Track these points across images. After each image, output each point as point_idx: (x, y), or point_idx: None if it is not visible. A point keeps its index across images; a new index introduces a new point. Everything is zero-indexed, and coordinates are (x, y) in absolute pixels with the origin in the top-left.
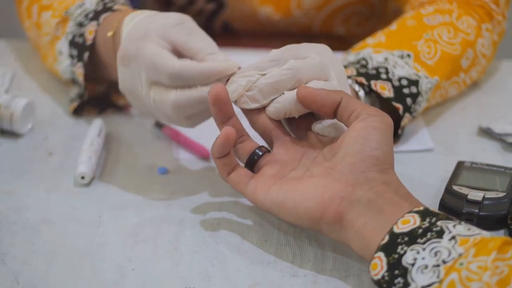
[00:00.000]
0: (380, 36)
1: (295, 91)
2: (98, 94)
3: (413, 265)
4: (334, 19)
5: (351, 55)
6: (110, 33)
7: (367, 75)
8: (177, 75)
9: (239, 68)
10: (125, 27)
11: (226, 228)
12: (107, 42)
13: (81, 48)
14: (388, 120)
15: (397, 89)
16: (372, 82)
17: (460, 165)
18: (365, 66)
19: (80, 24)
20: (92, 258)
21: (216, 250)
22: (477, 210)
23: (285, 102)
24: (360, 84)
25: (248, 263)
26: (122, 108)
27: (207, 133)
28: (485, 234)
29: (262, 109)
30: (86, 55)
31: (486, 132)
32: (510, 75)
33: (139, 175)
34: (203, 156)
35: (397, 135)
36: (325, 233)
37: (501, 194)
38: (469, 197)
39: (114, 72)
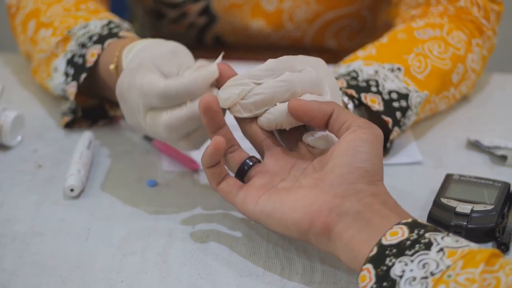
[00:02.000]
0: (371, 49)
1: (287, 103)
2: (91, 106)
3: (401, 277)
4: (325, 32)
5: (342, 67)
6: (112, 66)
7: (357, 87)
8: (164, 94)
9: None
10: (124, 60)
11: (215, 241)
12: (111, 75)
13: (79, 68)
14: (378, 132)
15: (387, 103)
16: (362, 95)
17: (448, 178)
18: (355, 79)
19: (83, 45)
20: (81, 270)
21: (204, 262)
22: (465, 223)
23: (277, 114)
24: (350, 97)
25: (237, 276)
26: (112, 119)
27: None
28: (473, 246)
29: (255, 118)
30: (83, 76)
31: (475, 145)
32: (499, 88)
33: (128, 188)
34: (192, 168)
35: (385, 148)
36: (314, 244)
37: (489, 207)
38: (457, 209)
39: (101, 92)
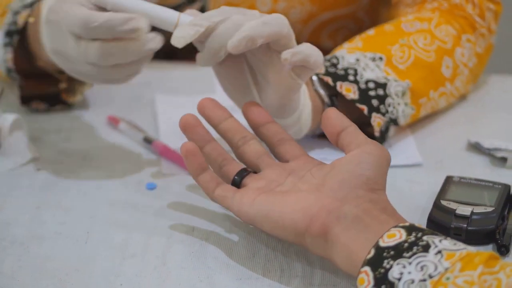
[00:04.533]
0: (357, 41)
1: (252, 21)
2: (46, 93)
3: (399, 279)
4: (321, 33)
5: (326, 56)
6: (31, 19)
7: (335, 75)
8: (85, 22)
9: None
10: (44, 8)
11: (214, 243)
12: (35, 31)
13: (13, 34)
14: (385, 152)
15: (363, 91)
16: (338, 84)
17: (448, 180)
18: (335, 65)
19: (16, 13)
20: (80, 273)
21: (204, 265)
22: (466, 225)
23: (248, 30)
24: (326, 85)
25: (236, 279)
26: (71, 106)
27: None
28: (471, 249)
29: (246, 138)
30: (15, 38)
31: (475, 147)
32: (499, 90)
33: (128, 191)
34: None
35: (375, 137)
36: (309, 248)
37: (490, 209)
38: (457, 212)
39: (41, 61)
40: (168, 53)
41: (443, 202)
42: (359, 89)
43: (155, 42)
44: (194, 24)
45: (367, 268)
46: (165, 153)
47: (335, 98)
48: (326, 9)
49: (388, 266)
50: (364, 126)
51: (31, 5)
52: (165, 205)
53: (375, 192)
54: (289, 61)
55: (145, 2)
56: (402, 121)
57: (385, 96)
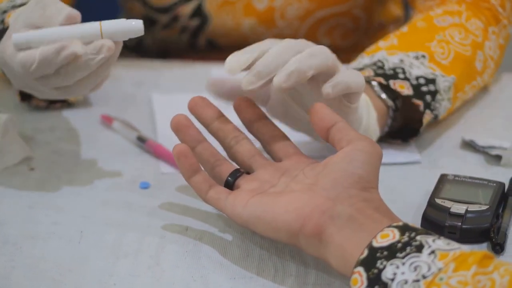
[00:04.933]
0: (392, 39)
1: (297, 55)
2: None
3: (393, 280)
4: (317, 30)
5: (366, 58)
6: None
7: (385, 75)
8: (23, 66)
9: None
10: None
11: (208, 243)
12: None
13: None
14: (377, 148)
15: (416, 87)
16: (391, 82)
17: (443, 178)
18: (382, 68)
19: (4, 12)
20: (74, 273)
21: (197, 265)
22: (460, 223)
23: (296, 63)
24: (379, 84)
25: (230, 278)
26: (71, 104)
27: None
28: (465, 248)
29: (239, 138)
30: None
31: (469, 145)
32: (494, 87)
33: (121, 190)
34: None
35: (418, 133)
36: (303, 248)
37: (484, 207)
38: (452, 210)
39: None
40: (161, 52)
41: (438, 201)
42: (412, 85)
43: (104, 51)
44: (244, 52)
45: (360, 269)
46: (159, 152)
47: (398, 100)
48: (323, 6)
49: (381, 267)
50: (414, 122)
51: (20, 6)
52: (159, 204)
53: (367, 190)
54: (331, 94)
55: (63, 27)
56: (440, 116)
57: (436, 92)
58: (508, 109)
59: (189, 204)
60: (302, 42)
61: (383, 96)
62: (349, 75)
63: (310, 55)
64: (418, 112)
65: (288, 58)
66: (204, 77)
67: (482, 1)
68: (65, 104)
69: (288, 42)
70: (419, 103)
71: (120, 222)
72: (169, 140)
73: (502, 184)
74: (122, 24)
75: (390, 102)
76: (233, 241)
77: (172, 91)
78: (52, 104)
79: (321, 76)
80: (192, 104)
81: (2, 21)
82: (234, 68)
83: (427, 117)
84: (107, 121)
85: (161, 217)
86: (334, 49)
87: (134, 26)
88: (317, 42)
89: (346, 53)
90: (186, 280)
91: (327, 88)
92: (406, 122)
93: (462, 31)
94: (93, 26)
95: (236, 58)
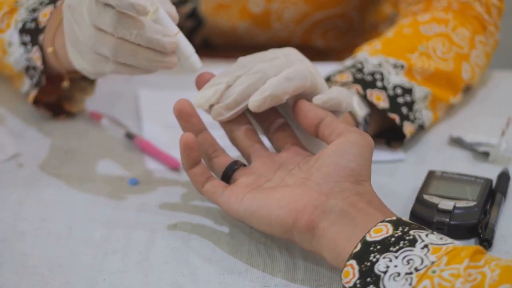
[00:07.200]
0: (376, 44)
1: (274, 78)
2: (49, 102)
3: (385, 272)
4: (313, 32)
5: (348, 60)
6: (50, 49)
7: (363, 82)
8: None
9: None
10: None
11: (197, 239)
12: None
13: (34, 32)
14: (368, 139)
15: (392, 99)
16: (368, 92)
17: (430, 175)
18: (361, 70)
19: (34, 10)
20: (63, 269)
21: (186, 260)
22: (448, 219)
23: (271, 88)
24: (357, 93)
25: (219, 273)
26: (74, 115)
27: (177, 144)
28: (457, 243)
29: (241, 122)
30: (40, 37)
31: (457, 142)
32: (481, 85)
33: (110, 186)
34: (174, 167)
35: (402, 143)
36: (297, 242)
37: (472, 203)
38: (439, 206)
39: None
40: None
41: (426, 197)
42: (388, 96)
43: (169, 47)
44: (213, 84)
45: (352, 262)
46: (147, 149)
47: (368, 117)
48: (319, 9)
49: (374, 260)
50: (394, 131)
51: (52, 2)
52: (147, 200)
53: (360, 183)
54: (320, 106)
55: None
56: (426, 125)
57: (412, 102)
58: (495, 106)
59: (178, 200)
60: (281, 61)
61: (357, 107)
62: (342, 94)
63: (286, 78)
64: (395, 124)
65: (258, 86)
66: (192, 73)
67: (468, 9)
68: (68, 116)
69: (260, 67)
70: (394, 117)
71: (108, 218)
72: (154, 137)
73: (490, 181)
74: (190, 50)
75: (360, 119)
76: (222, 237)
77: (160, 87)
78: (56, 116)
79: (301, 96)
80: (178, 108)
81: (36, 20)
82: (203, 104)
83: (410, 128)
84: (95, 117)
85: (149, 213)
86: (328, 50)
87: (194, 62)
88: (312, 43)
89: (339, 54)
90: (175, 275)
91: (317, 100)
92: (385, 129)
93: (446, 42)
94: (173, 24)
95: (204, 94)
